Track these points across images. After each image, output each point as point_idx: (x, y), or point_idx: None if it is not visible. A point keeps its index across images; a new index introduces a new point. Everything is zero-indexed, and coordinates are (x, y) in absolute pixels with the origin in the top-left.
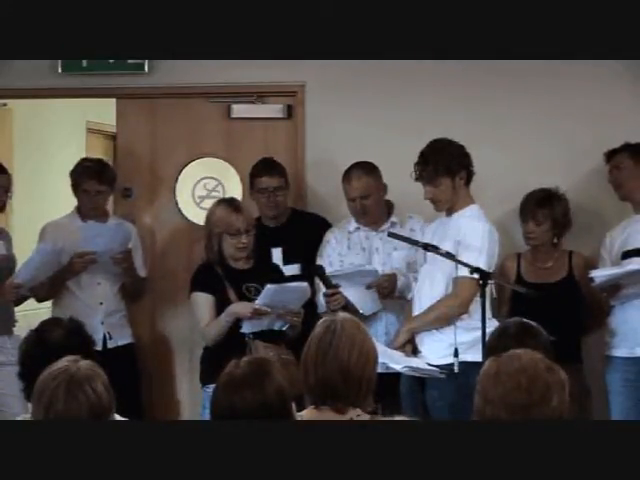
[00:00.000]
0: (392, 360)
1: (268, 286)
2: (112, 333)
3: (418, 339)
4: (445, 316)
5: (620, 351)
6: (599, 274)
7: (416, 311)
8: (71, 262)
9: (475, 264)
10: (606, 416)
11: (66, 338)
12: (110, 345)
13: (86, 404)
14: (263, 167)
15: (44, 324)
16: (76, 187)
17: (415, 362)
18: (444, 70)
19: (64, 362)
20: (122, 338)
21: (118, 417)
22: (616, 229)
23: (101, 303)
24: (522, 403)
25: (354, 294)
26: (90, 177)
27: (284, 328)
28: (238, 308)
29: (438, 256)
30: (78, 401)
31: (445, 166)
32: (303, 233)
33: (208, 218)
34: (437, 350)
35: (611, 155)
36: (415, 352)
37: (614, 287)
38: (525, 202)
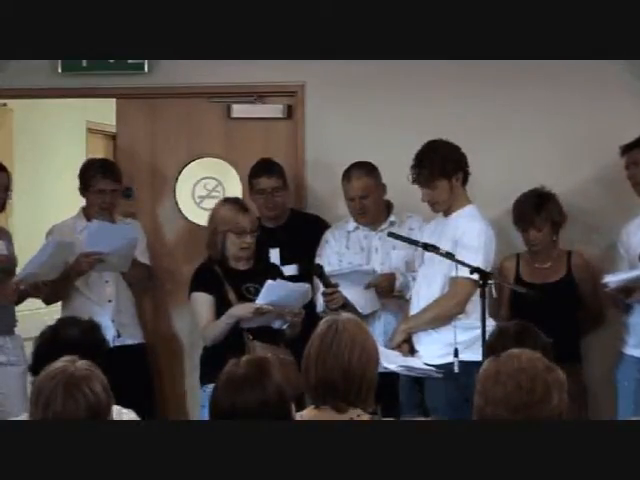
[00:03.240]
0: (387, 359)
1: (269, 282)
2: (122, 331)
3: (415, 339)
4: (441, 316)
5: (638, 351)
6: (612, 279)
7: (414, 311)
8: (77, 262)
9: (472, 264)
10: (604, 415)
11: (81, 337)
12: (117, 343)
13: (84, 404)
14: (261, 168)
15: (62, 321)
16: (87, 188)
17: (411, 362)
18: (444, 70)
19: (62, 362)
20: (133, 337)
21: (125, 410)
22: (631, 225)
23: (110, 301)
24: (523, 403)
25: (353, 293)
26: (105, 176)
27: (284, 327)
28: (239, 310)
29: (435, 257)
30: (76, 401)
31: (441, 168)
32: (301, 234)
33: (213, 216)
34: (434, 350)
35: (626, 150)
36: (412, 352)
37: (629, 289)
38: (520, 209)
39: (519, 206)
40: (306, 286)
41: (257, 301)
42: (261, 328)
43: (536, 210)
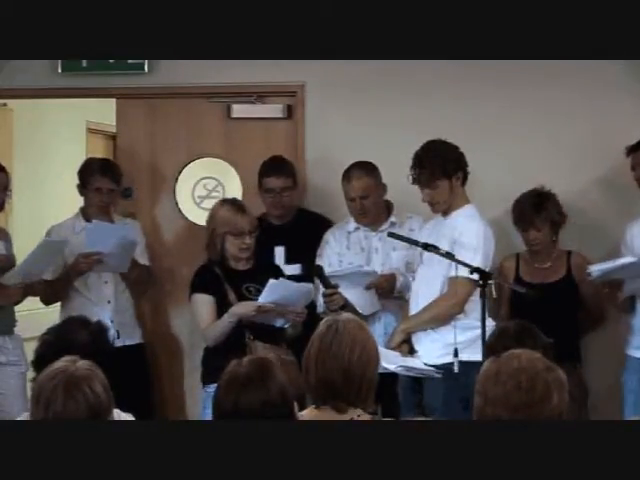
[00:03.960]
0: (386, 360)
1: (271, 281)
2: (121, 332)
3: (415, 339)
4: (440, 316)
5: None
6: (595, 268)
7: (413, 312)
8: (76, 262)
9: (471, 263)
10: (604, 415)
11: (89, 340)
12: (117, 344)
13: (84, 404)
14: (271, 167)
15: (71, 320)
16: (85, 186)
17: (410, 362)
18: (444, 70)
19: (62, 362)
20: (132, 338)
21: (123, 414)
22: (635, 226)
23: (109, 302)
24: (523, 402)
25: (353, 294)
26: (103, 175)
27: (286, 325)
28: (241, 309)
29: (435, 257)
30: (76, 401)
31: (442, 168)
32: (307, 233)
33: (211, 217)
34: (433, 350)
35: (632, 151)
36: (412, 352)
37: (615, 282)
38: (519, 209)
39: (519, 206)
40: (308, 286)
41: (259, 300)
42: (262, 328)
43: (536, 210)
